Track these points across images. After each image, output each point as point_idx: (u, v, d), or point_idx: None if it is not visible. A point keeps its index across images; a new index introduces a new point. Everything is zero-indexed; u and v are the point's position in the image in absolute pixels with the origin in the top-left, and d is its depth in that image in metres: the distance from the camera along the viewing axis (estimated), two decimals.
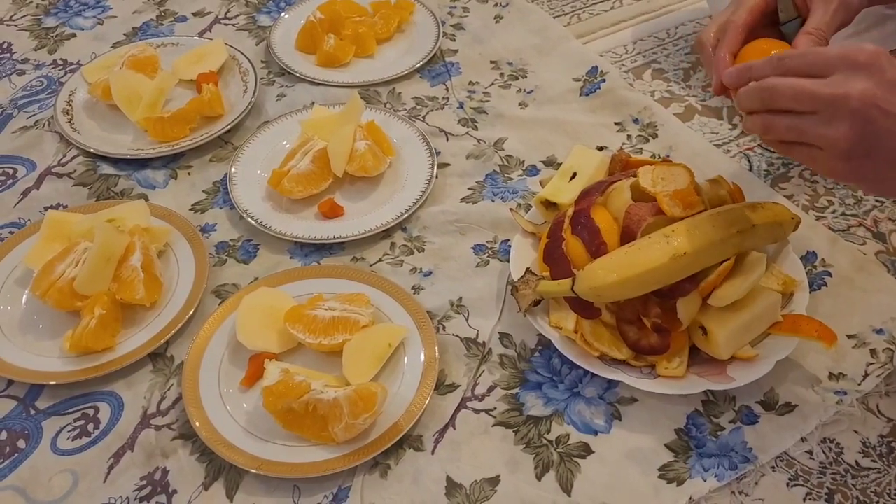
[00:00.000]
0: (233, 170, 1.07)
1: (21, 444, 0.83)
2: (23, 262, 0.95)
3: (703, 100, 1.20)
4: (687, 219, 0.81)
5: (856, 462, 0.80)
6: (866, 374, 0.85)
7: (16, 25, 1.35)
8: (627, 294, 0.80)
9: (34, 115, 1.18)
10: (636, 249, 0.79)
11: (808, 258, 0.95)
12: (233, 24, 1.35)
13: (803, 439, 0.81)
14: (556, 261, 0.86)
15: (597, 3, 1.40)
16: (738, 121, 1.16)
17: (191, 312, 0.91)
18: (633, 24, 1.36)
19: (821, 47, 0.73)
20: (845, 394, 0.84)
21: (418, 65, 1.25)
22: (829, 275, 0.94)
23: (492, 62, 1.27)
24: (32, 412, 0.85)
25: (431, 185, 1.05)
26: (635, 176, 0.86)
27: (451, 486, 0.79)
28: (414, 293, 0.94)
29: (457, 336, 0.91)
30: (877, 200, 1.03)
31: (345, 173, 1.05)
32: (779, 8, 0.82)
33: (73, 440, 0.83)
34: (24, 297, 0.94)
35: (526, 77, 1.24)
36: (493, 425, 0.83)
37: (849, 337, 0.88)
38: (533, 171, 1.09)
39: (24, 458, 0.82)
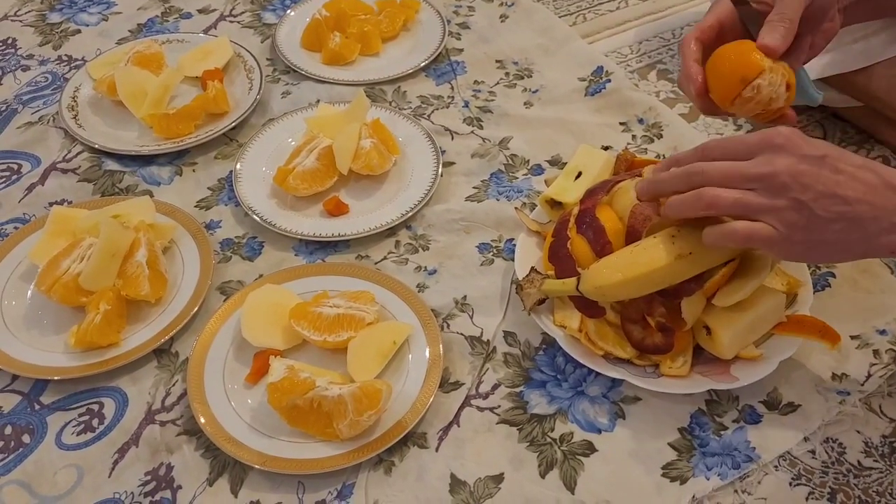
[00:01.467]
0: (238, 167, 1.07)
1: (26, 438, 0.83)
2: (28, 258, 0.95)
3: None
4: (692, 219, 0.81)
5: (858, 462, 0.80)
6: (869, 375, 0.85)
7: (20, 21, 1.35)
8: (632, 293, 0.80)
9: (39, 110, 1.18)
10: (641, 249, 0.79)
11: None
12: (238, 22, 1.35)
13: (806, 439, 0.81)
14: (560, 260, 0.86)
15: (602, 3, 1.40)
16: (743, 121, 1.17)
17: (195, 309, 0.91)
18: (638, 25, 1.36)
19: (741, 135, 0.76)
20: (848, 394, 0.84)
21: (423, 63, 1.25)
22: (833, 276, 0.94)
23: (497, 61, 1.27)
24: (37, 407, 0.85)
25: (436, 184, 1.05)
26: (640, 175, 0.87)
27: (455, 483, 0.79)
28: (418, 291, 0.95)
29: (461, 334, 0.91)
30: None
31: (350, 171, 1.05)
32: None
33: (77, 435, 0.83)
34: (29, 292, 0.94)
35: (531, 76, 1.24)
36: (497, 423, 0.83)
37: (852, 338, 0.88)
38: (538, 170, 1.09)
39: (28, 453, 0.82)
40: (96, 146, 1.11)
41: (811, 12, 0.80)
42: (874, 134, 1.12)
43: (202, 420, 0.82)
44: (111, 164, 1.10)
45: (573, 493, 0.78)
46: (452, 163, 1.11)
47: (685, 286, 0.79)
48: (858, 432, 0.82)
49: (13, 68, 1.26)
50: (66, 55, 1.28)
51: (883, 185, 0.68)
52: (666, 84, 1.24)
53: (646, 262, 0.77)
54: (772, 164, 0.69)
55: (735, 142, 0.73)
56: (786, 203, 0.68)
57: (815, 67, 1.02)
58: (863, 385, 0.85)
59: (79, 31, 1.33)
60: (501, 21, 1.34)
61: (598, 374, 0.85)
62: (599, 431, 0.83)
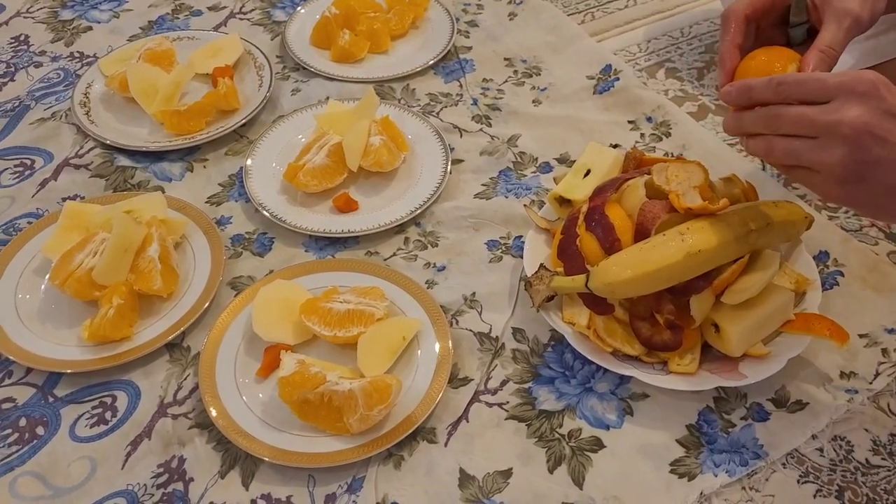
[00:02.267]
0: (248, 163, 1.08)
1: (40, 430, 0.84)
2: (41, 252, 0.96)
3: (717, 99, 1.20)
4: (701, 217, 0.81)
5: (866, 460, 0.80)
6: (877, 374, 0.86)
7: (32, 18, 1.36)
8: (641, 290, 0.80)
9: (51, 106, 1.19)
10: (651, 246, 0.79)
11: (821, 257, 0.96)
12: (248, 19, 1.35)
13: (814, 437, 0.82)
14: (570, 257, 0.87)
15: (611, 1, 1.40)
16: None
17: (207, 304, 0.92)
18: (646, 23, 1.36)
19: (820, 73, 0.74)
20: (856, 392, 0.84)
21: (432, 61, 1.25)
22: (842, 274, 0.95)
23: (505, 59, 1.27)
24: (51, 399, 0.86)
25: (445, 181, 1.06)
26: (649, 173, 0.87)
27: (464, 478, 0.79)
28: (427, 287, 0.95)
29: (470, 330, 0.91)
30: None
31: (359, 168, 1.05)
32: (792, 9, 0.82)
33: (91, 427, 0.84)
34: (43, 286, 0.95)
35: (539, 74, 1.24)
36: (506, 419, 0.84)
37: (860, 336, 0.89)
38: (546, 168, 1.10)
39: (42, 445, 0.83)
40: (108, 142, 1.11)
41: (862, 30, 0.80)
42: None
43: (214, 413, 0.82)
44: (123, 160, 1.10)
45: (581, 489, 0.79)
46: (461, 160, 1.11)
47: (694, 283, 0.80)
48: (866, 430, 0.83)
49: (26, 65, 1.27)
50: (77, 52, 1.29)
51: None
52: (674, 83, 1.24)
53: (655, 259, 0.78)
54: (839, 112, 0.66)
55: (813, 83, 0.69)
56: (840, 157, 0.67)
57: (846, 62, 1.02)
58: (871, 383, 0.85)
59: (90, 28, 1.34)
60: (510, 19, 1.35)
61: (606, 370, 0.86)
62: (608, 428, 0.83)
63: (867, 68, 1.01)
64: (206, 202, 1.06)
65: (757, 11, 0.82)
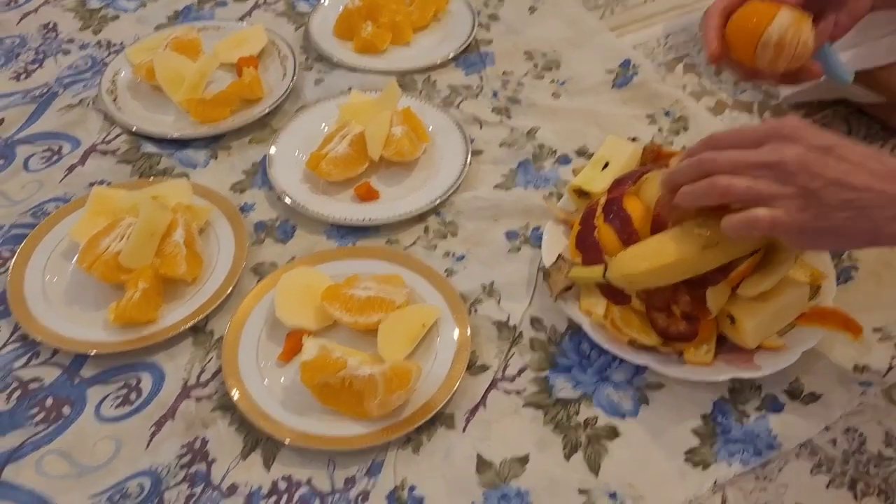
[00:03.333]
0: (272, 151, 1.10)
1: (66, 410, 0.86)
2: (69, 236, 0.97)
3: (734, 94, 1.21)
4: (718, 210, 0.82)
5: (879, 452, 0.81)
6: (891, 367, 0.87)
7: (61, 6, 1.38)
8: (658, 282, 0.81)
9: (79, 93, 1.21)
10: (668, 238, 0.80)
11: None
12: (273, 10, 1.37)
13: (827, 428, 0.82)
14: (588, 248, 0.88)
15: None
16: (769, 115, 1.17)
17: (230, 289, 0.94)
18: (666, 19, 1.37)
19: (749, 125, 0.77)
20: (870, 385, 0.85)
21: (453, 54, 1.26)
22: (856, 269, 0.95)
23: (526, 52, 1.28)
24: (77, 380, 0.88)
25: (465, 172, 1.07)
26: (668, 167, 0.88)
27: (482, 464, 0.81)
28: (447, 276, 0.96)
29: (488, 318, 0.93)
30: None
31: (381, 158, 1.07)
32: None
33: (115, 408, 0.86)
34: (70, 268, 0.96)
35: (559, 68, 1.25)
36: (523, 406, 0.85)
37: (874, 330, 0.89)
38: (565, 160, 1.11)
39: (68, 424, 0.84)
40: (134, 129, 1.13)
41: None
42: None
43: (236, 396, 0.84)
44: (149, 147, 1.12)
45: (597, 476, 0.80)
46: (481, 151, 1.12)
47: (710, 276, 0.80)
48: (879, 423, 0.83)
49: (54, 52, 1.29)
50: (105, 40, 1.31)
51: (890, 174, 0.68)
52: (693, 77, 1.25)
53: (673, 251, 0.79)
54: (780, 153, 0.70)
55: (743, 132, 0.74)
56: (794, 190, 0.69)
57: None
58: (884, 377, 0.86)
59: (117, 17, 1.35)
60: (530, 13, 1.36)
61: (622, 360, 0.87)
62: (623, 416, 0.84)
63: (883, 65, 1.03)
64: (230, 189, 1.08)
65: (733, 3, 0.84)
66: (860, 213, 0.68)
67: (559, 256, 0.91)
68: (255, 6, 1.38)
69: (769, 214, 0.70)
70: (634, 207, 0.86)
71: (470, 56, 1.28)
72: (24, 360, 0.90)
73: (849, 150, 0.70)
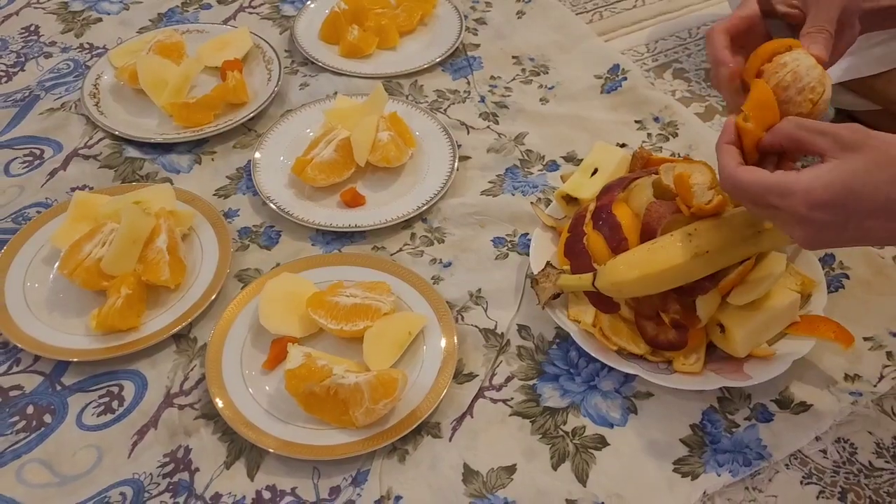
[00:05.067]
0: (256, 156, 1.08)
1: (47, 418, 0.84)
2: (50, 242, 0.96)
3: (724, 100, 1.20)
4: (708, 218, 0.81)
5: (869, 462, 0.81)
6: (882, 377, 0.86)
7: (43, 9, 1.36)
8: (648, 290, 0.80)
9: (61, 97, 1.19)
10: (658, 246, 0.79)
11: (826, 260, 0.96)
12: (257, 13, 1.36)
13: (817, 438, 0.82)
14: (576, 255, 0.87)
15: (618, 1, 1.41)
16: None
17: (214, 295, 0.92)
18: (654, 24, 1.36)
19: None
20: (860, 395, 0.84)
21: (440, 58, 1.26)
22: (847, 277, 0.95)
23: (513, 57, 1.28)
24: (58, 388, 0.87)
25: (452, 178, 1.06)
26: (657, 173, 0.87)
27: (469, 473, 0.80)
28: (433, 283, 0.96)
29: (475, 326, 0.92)
30: None
31: (367, 163, 1.06)
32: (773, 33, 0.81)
33: (97, 416, 0.84)
34: (52, 275, 0.95)
35: (547, 73, 1.25)
36: (510, 415, 0.84)
37: (865, 339, 0.89)
38: (553, 166, 1.10)
39: (49, 433, 0.83)
40: (117, 133, 1.12)
41: (839, 20, 0.78)
42: None
43: (220, 404, 0.83)
44: (132, 152, 1.11)
45: (585, 486, 0.79)
46: (468, 157, 1.11)
47: (700, 284, 0.80)
48: (870, 433, 0.83)
49: (36, 55, 1.27)
50: (87, 43, 1.30)
51: None
52: (682, 83, 1.24)
53: (663, 259, 0.78)
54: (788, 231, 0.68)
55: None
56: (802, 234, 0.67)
57: (835, 71, 1.03)
58: (875, 386, 0.85)
59: (100, 20, 1.34)
60: (518, 17, 1.35)
61: (611, 369, 0.86)
62: (612, 426, 0.83)
63: (877, 74, 1.03)
64: (214, 195, 1.07)
65: (736, 29, 0.81)
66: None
67: (547, 264, 0.90)
68: (240, 9, 1.36)
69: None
70: (624, 214, 0.86)
71: (457, 61, 1.27)
72: (4, 367, 0.89)
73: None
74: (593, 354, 0.85)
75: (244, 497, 0.78)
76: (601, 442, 0.82)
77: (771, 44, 0.76)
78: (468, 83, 1.23)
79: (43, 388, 0.87)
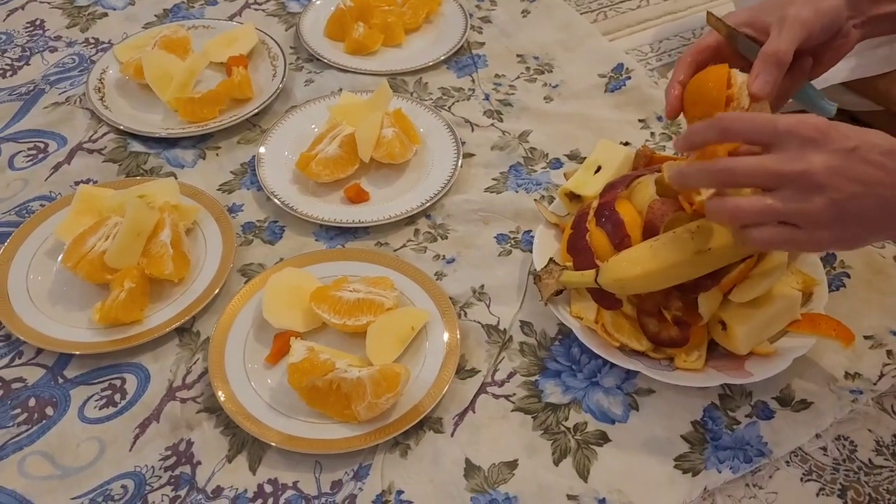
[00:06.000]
0: (261, 151, 1.09)
1: (49, 411, 0.84)
2: (54, 234, 0.96)
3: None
4: None
5: (869, 460, 0.81)
6: (882, 375, 0.86)
7: (48, 3, 1.37)
8: (651, 287, 0.81)
9: (66, 91, 1.20)
10: (661, 244, 0.79)
11: (828, 259, 0.96)
12: (263, 10, 1.36)
13: (818, 436, 0.82)
14: (579, 252, 0.87)
15: (623, 1, 1.41)
16: None
17: (217, 290, 0.93)
18: (658, 24, 1.37)
19: (768, 115, 0.69)
20: (861, 393, 0.85)
21: (445, 56, 1.26)
22: (848, 276, 0.95)
23: (518, 56, 1.28)
24: (61, 381, 0.87)
25: (456, 174, 1.06)
26: (660, 171, 0.87)
27: (470, 468, 0.80)
28: (436, 279, 0.96)
29: (478, 322, 0.92)
30: None
31: (371, 159, 1.06)
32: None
33: (100, 409, 0.85)
34: (55, 268, 0.95)
35: (551, 71, 1.25)
36: (512, 410, 0.85)
37: (866, 338, 0.89)
38: (556, 164, 1.10)
39: (52, 425, 0.83)
40: (122, 127, 1.12)
41: (814, 35, 0.78)
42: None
43: (222, 398, 0.83)
44: (136, 146, 1.11)
45: (586, 482, 0.79)
46: (472, 154, 1.12)
47: (702, 281, 0.80)
48: (870, 431, 0.83)
49: (41, 49, 1.27)
50: (93, 38, 1.30)
51: None
52: None
53: (665, 256, 0.78)
54: (804, 161, 0.64)
55: (756, 122, 0.68)
56: (819, 204, 0.65)
57: (839, 72, 1.03)
58: (875, 384, 0.86)
59: (105, 15, 1.34)
60: (523, 16, 1.35)
61: (612, 365, 0.86)
62: (613, 422, 0.84)
63: (880, 74, 1.03)
64: (218, 189, 1.07)
65: (703, 54, 0.82)
66: (883, 213, 0.66)
67: (550, 260, 0.90)
68: (246, 5, 1.37)
69: (788, 235, 0.67)
70: (627, 211, 0.86)
71: (462, 58, 1.27)
72: (7, 359, 0.89)
73: (872, 149, 0.65)
74: (595, 351, 0.85)
75: (246, 490, 0.79)
76: (603, 438, 0.82)
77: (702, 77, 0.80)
78: (473, 81, 1.23)
79: (45, 381, 0.87)
